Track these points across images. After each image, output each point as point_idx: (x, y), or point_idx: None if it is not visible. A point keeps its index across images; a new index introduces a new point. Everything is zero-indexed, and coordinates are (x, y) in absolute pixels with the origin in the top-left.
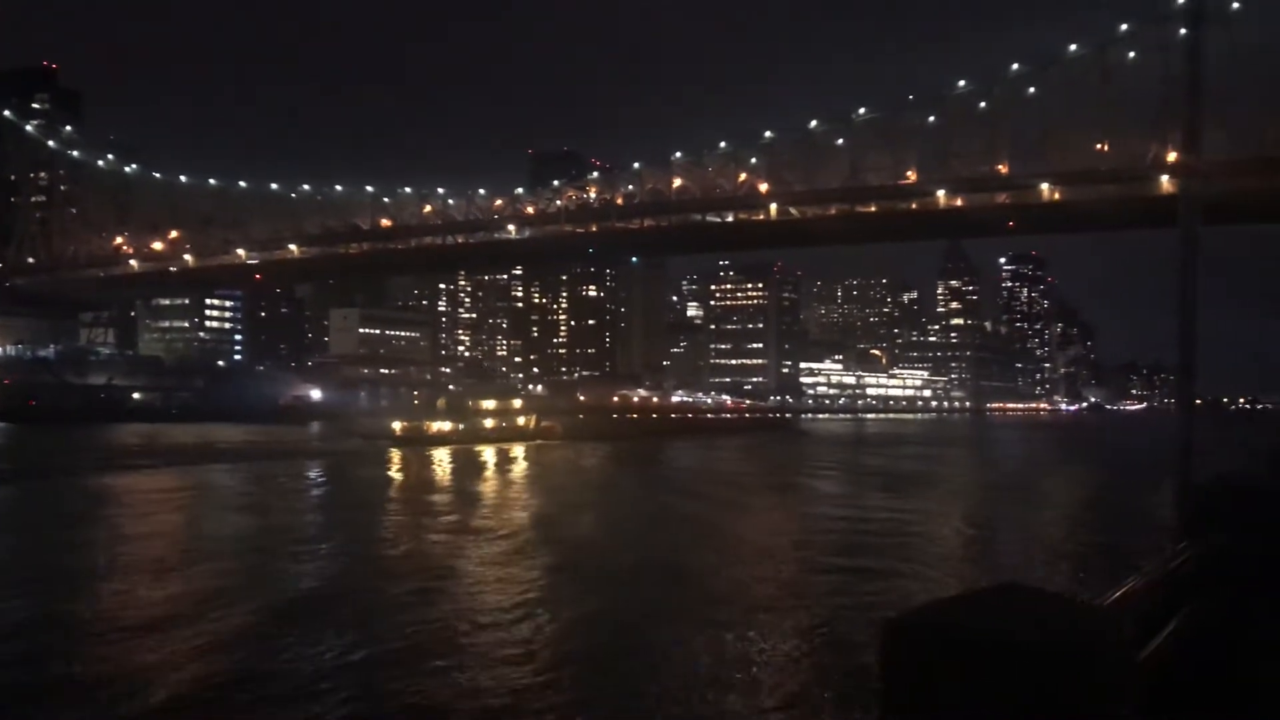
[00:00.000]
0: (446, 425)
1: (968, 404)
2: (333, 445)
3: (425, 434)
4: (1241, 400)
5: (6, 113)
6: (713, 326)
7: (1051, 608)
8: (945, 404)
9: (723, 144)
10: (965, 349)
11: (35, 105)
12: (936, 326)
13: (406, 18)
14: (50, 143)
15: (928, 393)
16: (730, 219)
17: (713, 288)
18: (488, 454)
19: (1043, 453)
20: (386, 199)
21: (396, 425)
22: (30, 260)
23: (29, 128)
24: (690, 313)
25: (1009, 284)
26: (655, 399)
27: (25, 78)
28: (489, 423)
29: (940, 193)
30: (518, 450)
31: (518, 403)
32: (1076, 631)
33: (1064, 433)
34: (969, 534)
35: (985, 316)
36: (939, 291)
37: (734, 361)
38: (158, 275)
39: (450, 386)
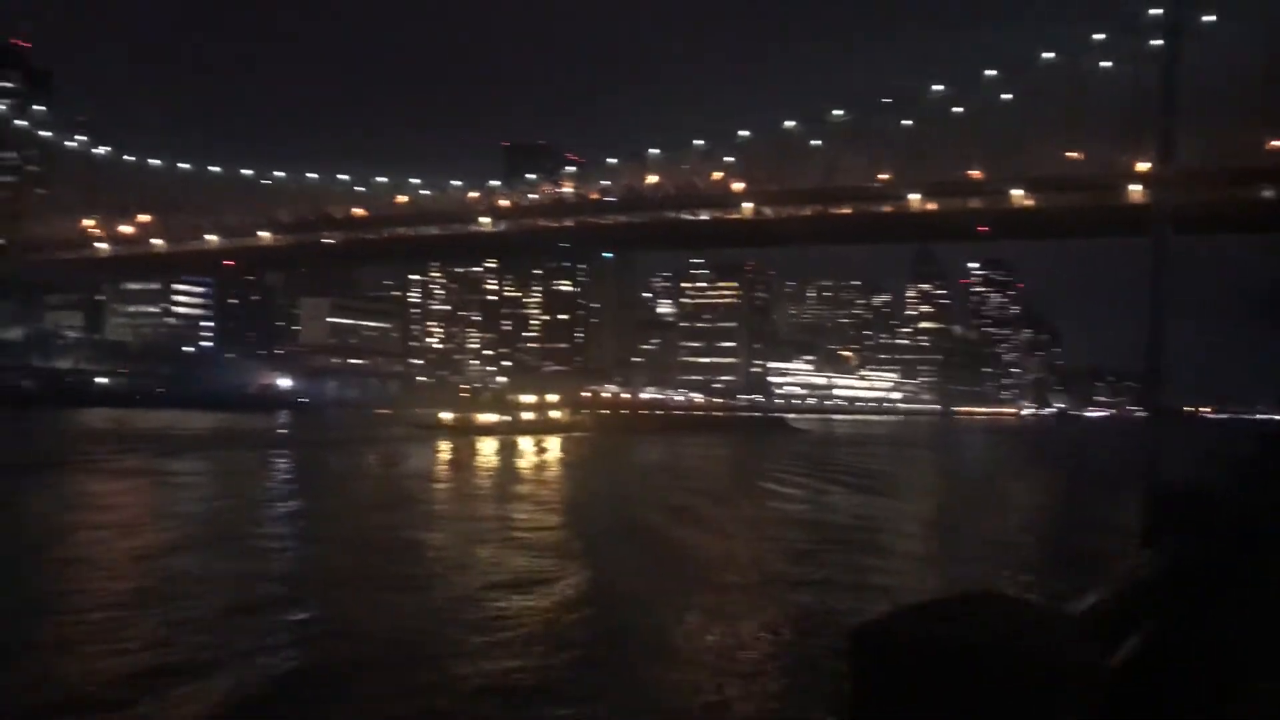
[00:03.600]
0: (492, 418)
1: (935, 407)
2: (394, 432)
3: (472, 425)
4: (1206, 409)
5: None
6: (684, 324)
7: (1020, 614)
8: (913, 407)
9: (698, 142)
10: (934, 352)
11: (5, 84)
12: (907, 329)
13: (382, 6)
14: (20, 122)
15: (896, 395)
16: (704, 217)
17: (685, 285)
18: (527, 445)
19: (1015, 457)
20: (361, 188)
21: (446, 416)
22: None
23: None
24: (661, 310)
25: (979, 288)
26: (625, 395)
27: None
28: (529, 416)
29: (913, 196)
30: (553, 442)
31: (554, 398)
32: (1045, 638)
33: (1032, 437)
34: (941, 536)
35: (954, 320)
36: (909, 295)
37: (704, 360)
38: (126, 259)
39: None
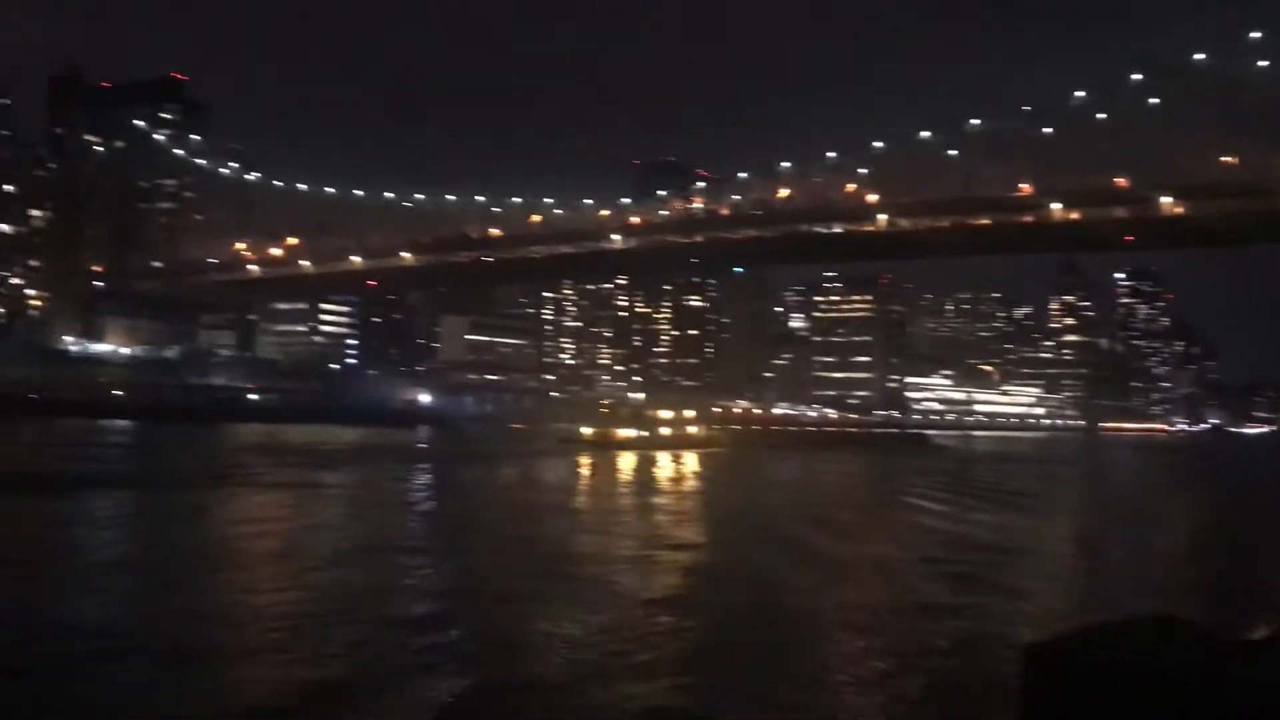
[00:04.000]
0: (631, 432)
1: (1081, 423)
2: (535, 446)
3: (612, 440)
4: None
5: (139, 122)
6: (817, 339)
7: (1197, 640)
8: (1058, 422)
9: (831, 154)
10: (1079, 366)
11: (165, 115)
12: (1050, 343)
13: (515, 28)
14: (178, 151)
15: (1040, 410)
16: (837, 229)
17: (818, 299)
18: (665, 460)
19: (1169, 475)
20: (496, 209)
21: (587, 431)
22: (156, 264)
23: (158, 136)
24: (794, 324)
25: (1126, 300)
26: (756, 411)
27: (156, 88)
28: (666, 431)
29: (1055, 206)
30: (691, 457)
31: (690, 413)
32: (1224, 666)
33: (1185, 455)
34: (1098, 557)
35: (1101, 333)
36: (1052, 307)
37: (838, 375)
38: (276, 280)
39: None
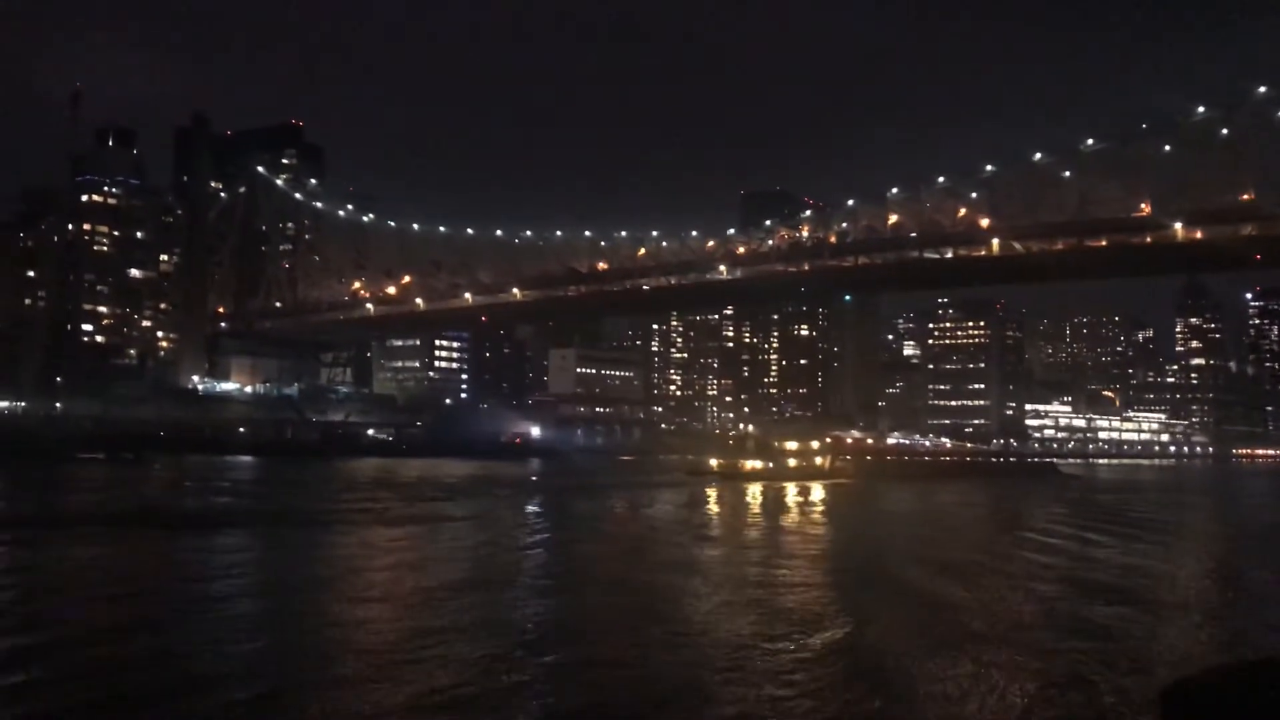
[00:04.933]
0: (758, 464)
1: (1210, 449)
2: (667, 478)
3: (739, 471)
4: None
5: (260, 168)
6: (930, 366)
7: None
8: (1185, 449)
9: (941, 179)
10: (1207, 390)
11: (284, 160)
12: (1175, 366)
13: (621, 63)
14: (296, 195)
15: (1165, 437)
16: (949, 255)
17: (930, 326)
18: (794, 491)
19: None
20: (603, 243)
21: (714, 462)
22: (277, 305)
23: (279, 181)
24: (906, 352)
25: (1257, 321)
26: (869, 441)
27: (275, 135)
28: (792, 462)
29: (1177, 225)
30: (820, 488)
31: (816, 444)
32: None
33: None
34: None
35: (1230, 356)
36: (1177, 329)
37: (953, 403)
38: (391, 318)
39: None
